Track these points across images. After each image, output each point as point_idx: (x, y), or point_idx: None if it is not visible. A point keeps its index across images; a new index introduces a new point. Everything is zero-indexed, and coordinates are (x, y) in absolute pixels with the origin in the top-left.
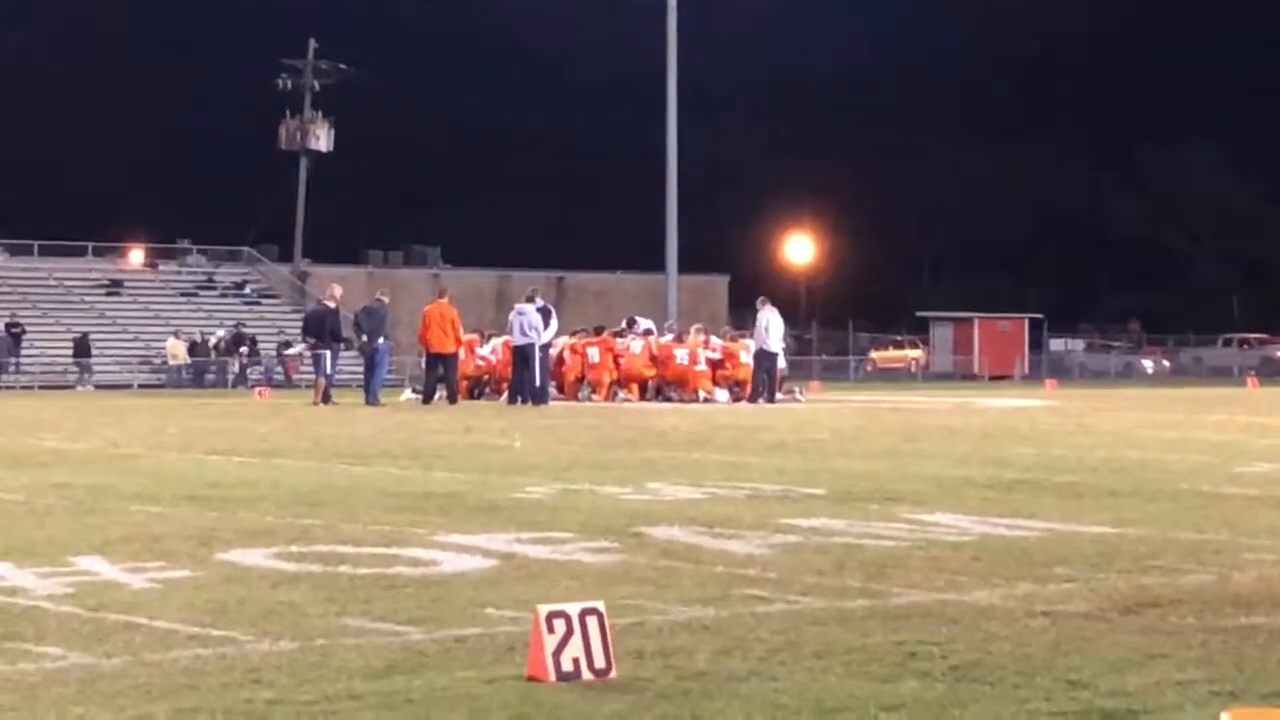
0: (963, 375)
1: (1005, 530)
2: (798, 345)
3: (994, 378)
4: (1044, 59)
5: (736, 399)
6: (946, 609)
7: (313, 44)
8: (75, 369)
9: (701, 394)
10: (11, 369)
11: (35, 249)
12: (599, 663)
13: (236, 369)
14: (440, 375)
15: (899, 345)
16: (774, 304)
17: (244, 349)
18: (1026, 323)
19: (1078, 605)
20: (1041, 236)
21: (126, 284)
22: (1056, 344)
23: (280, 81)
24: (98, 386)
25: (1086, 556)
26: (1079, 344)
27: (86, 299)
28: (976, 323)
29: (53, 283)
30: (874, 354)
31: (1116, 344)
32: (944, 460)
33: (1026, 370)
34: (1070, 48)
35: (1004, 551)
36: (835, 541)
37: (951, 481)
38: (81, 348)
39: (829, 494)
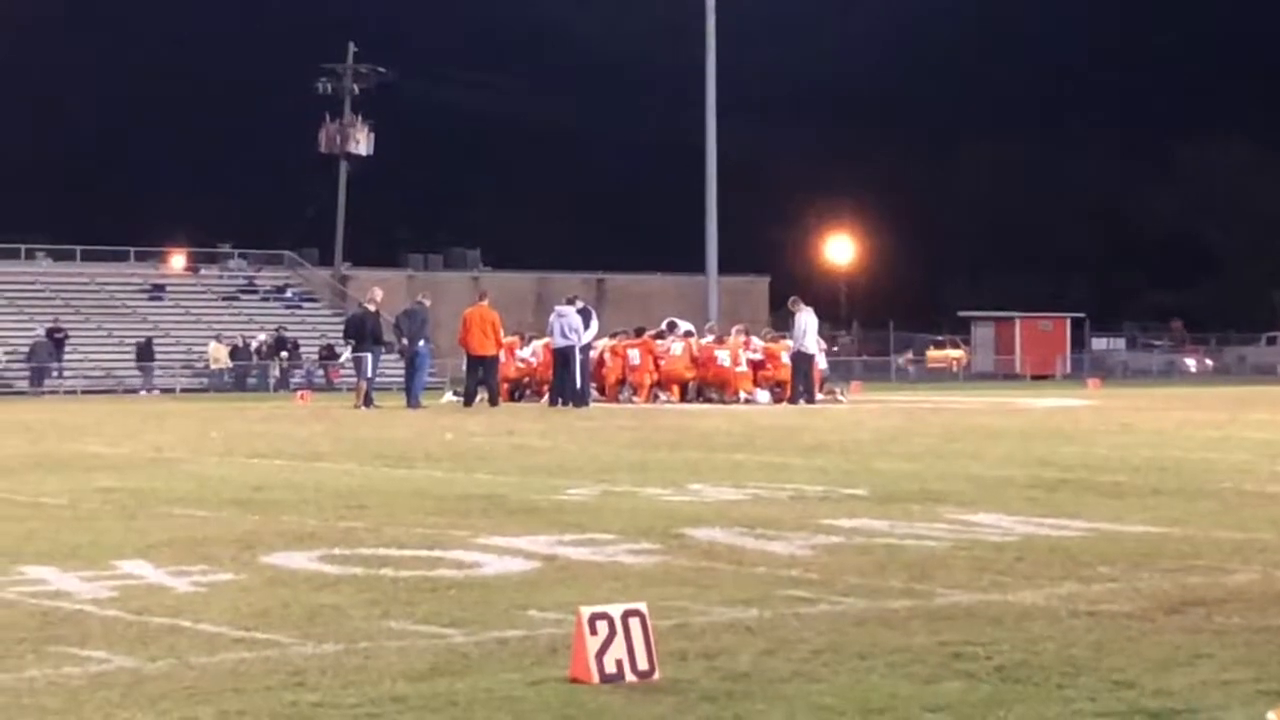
0: (1005, 375)
1: (1048, 530)
2: (836, 345)
3: (1036, 377)
4: (1081, 57)
5: (778, 400)
6: (990, 609)
7: (352, 48)
8: (138, 373)
9: (743, 395)
10: (54, 374)
11: (78, 254)
12: (642, 664)
13: (278, 373)
14: (481, 378)
15: (940, 345)
16: (811, 305)
17: (285, 353)
18: (1068, 322)
19: (1122, 605)
20: (1081, 235)
21: (168, 288)
22: (1098, 343)
23: (320, 85)
24: (127, 391)
25: (1130, 556)
26: (1120, 343)
27: (129, 304)
28: (1018, 322)
29: (95, 287)
30: (925, 352)
31: (1158, 343)
32: (986, 460)
33: (1069, 369)
34: (1107, 45)
35: (1047, 551)
36: (878, 542)
37: (994, 481)
38: (145, 352)
39: (871, 494)
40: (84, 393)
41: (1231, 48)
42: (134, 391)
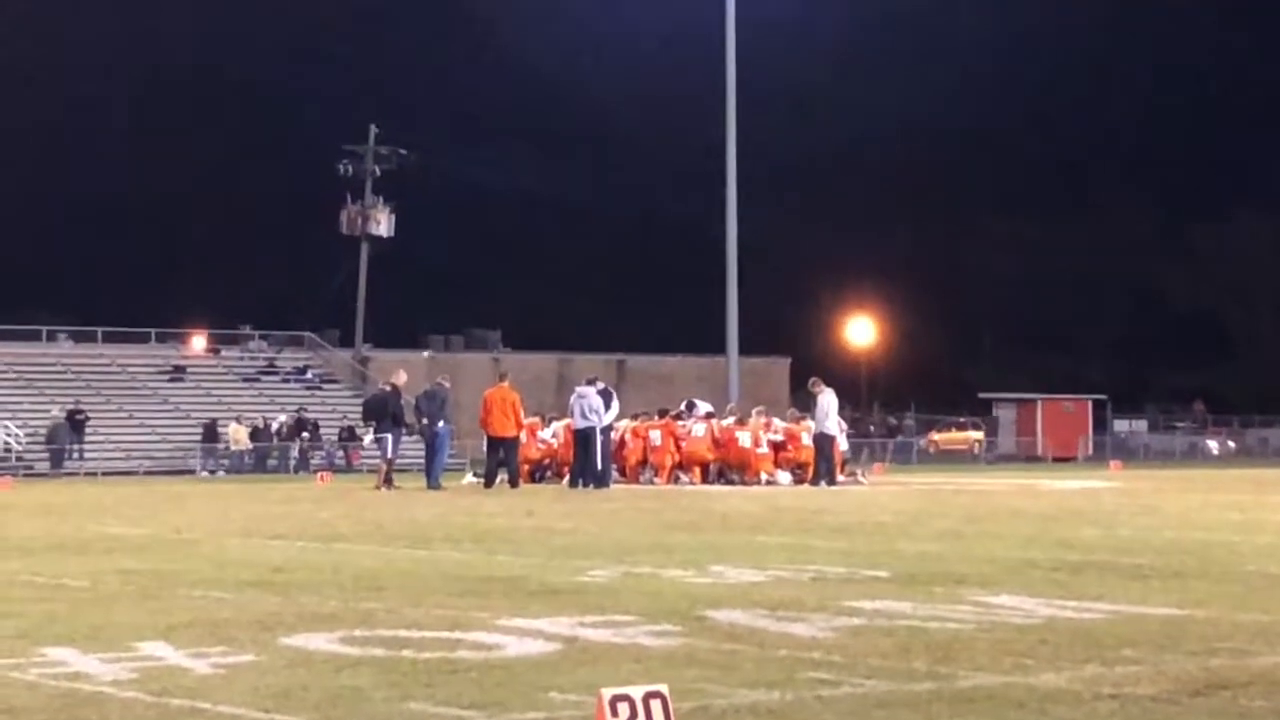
0: (1026, 456)
1: (1071, 612)
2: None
3: (1058, 459)
4: (1104, 137)
5: (799, 481)
6: (1013, 692)
7: (374, 130)
8: (200, 453)
9: (764, 476)
10: (75, 455)
11: (99, 335)
12: None
13: (298, 454)
14: (501, 459)
15: (961, 426)
16: (832, 386)
17: (306, 434)
18: (1090, 403)
19: (1146, 688)
20: (1103, 316)
21: (189, 370)
22: (1120, 425)
23: (341, 167)
24: (148, 473)
25: (1154, 638)
26: (1143, 424)
27: (150, 385)
28: (1040, 404)
29: (116, 369)
30: (935, 435)
31: (1181, 425)
32: (1009, 542)
33: (1090, 451)
34: (1129, 125)
35: (1070, 634)
36: (900, 624)
37: (1017, 563)
38: (210, 433)
39: (893, 576)
40: (103, 475)
41: (1254, 128)
42: (191, 472)
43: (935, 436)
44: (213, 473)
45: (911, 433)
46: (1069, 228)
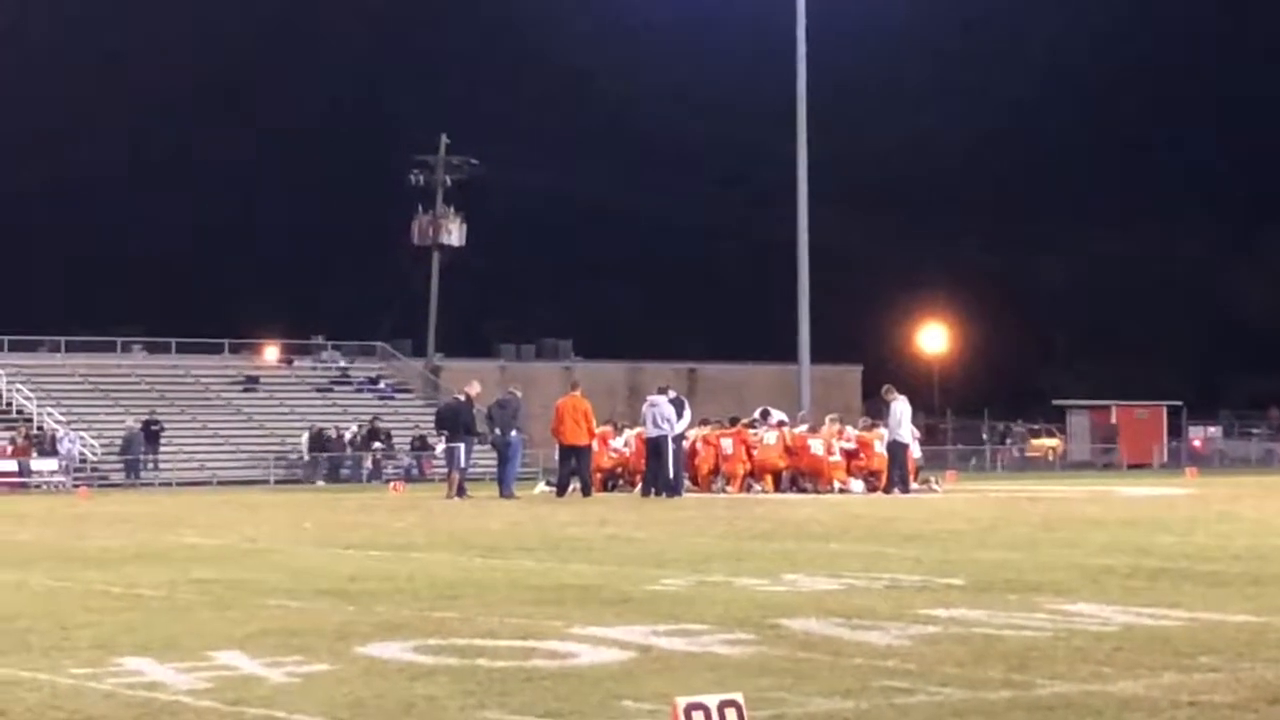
0: (1102, 464)
1: (1148, 620)
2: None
3: (1132, 466)
4: (1177, 140)
5: (872, 489)
6: (1091, 700)
7: (444, 139)
8: (310, 463)
9: (836, 485)
10: (149, 466)
11: (173, 347)
12: None
13: (371, 464)
14: (574, 468)
15: (1035, 434)
16: (905, 393)
17: (379, 443)
18: (1165, 410)
19: (1224, 695)
20: (1177, 322)
21: (262, 380)
22: (1195, 431)
23: (413, 177)
24: (221, 483)
25: (1232, 646)
26: (1217, 431)
27: (223, 395)
28: (1114, 410)
29: (190, 379)
30: (1032, 440)
31: (1256, 430)
32: (1084, 549)
33: (1165, 458)
34: (1204, 129)
35: (1147, 641)
36: (975, 632)
37: (1092, 570)
38: (317, 442)
39: (968, 584)
40: (178, 485)
41: None
42: (300, 482)
43: (1032, 440)
44: (313, 482)
45: (1016, 439)
46: (1141, 233)
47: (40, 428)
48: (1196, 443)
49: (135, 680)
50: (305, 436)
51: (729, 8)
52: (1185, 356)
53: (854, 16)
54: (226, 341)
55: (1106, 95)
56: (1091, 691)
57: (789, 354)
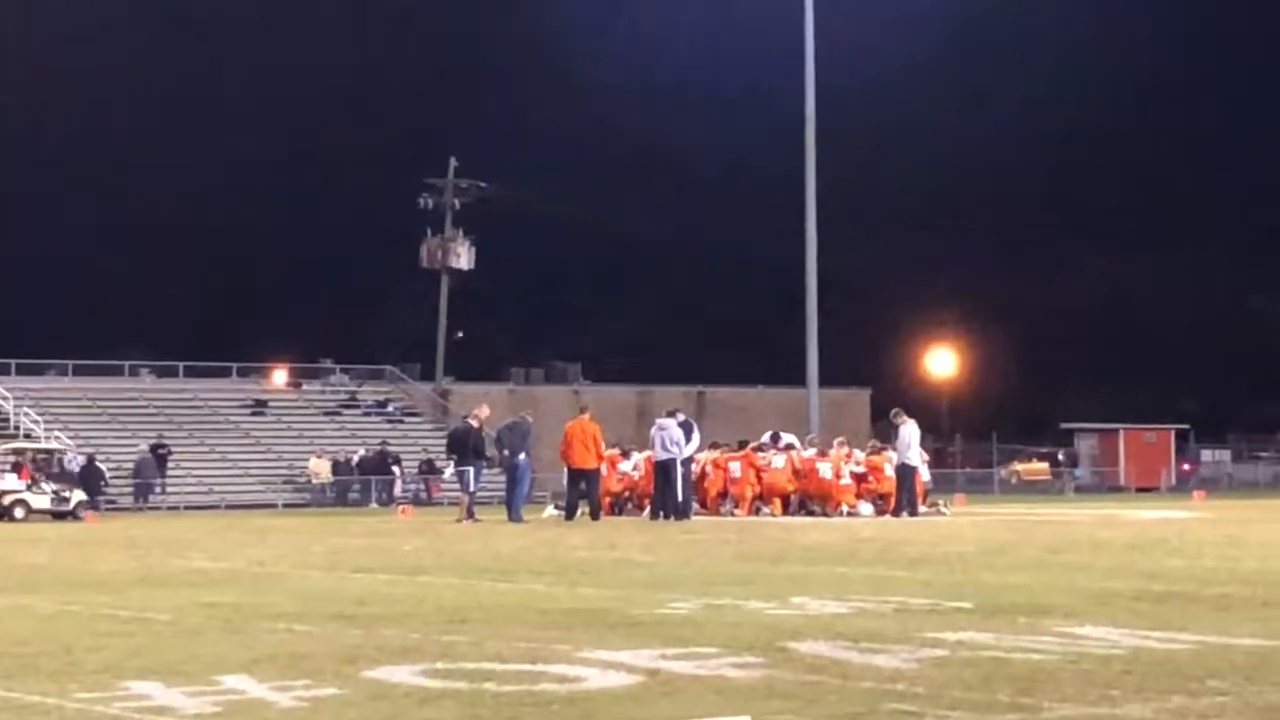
0: (1109, 487)
1: (1156, 643)
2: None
3: (1140, 489)
4: (1184, 169)
5: (881, 512)
6: None
7: (453, 163)
8: (360, 486)
9: (845, 508)
10: (158, 490)
11: (181, 370)
12: None
13: (384, 488)
14: (582, 491)
15: (1043, 457)
16: (913, 417)
17: (396, 467)
18: (1173, 433)
19: (1231, 719)
20: (1185, 345)
21: (271, 404)
22: (1204, 454)
23: (422, 200)
24: (229, 507)
25: (1240, 669)
26: (1226, 454)
27: (231, 419)
28: (1122, 434)
29: (198, 403)
30: (1017, 465)
31: (1265, 454)
32: (1092, 572)
33: (1174, 481)
34: (1210, 158)
35: (1156, 664)
36: (984, 655)
37: (1100, 593)
38: (380, 464)
39: (976, 607)
40: (187, 508)
41: None
42: (361, 504)
43: (1017, 467)
44: (385, 504)
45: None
46: (1149, 257)
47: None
48: (1185, 466)
49: (143, 704)
50: (315, 461)
51: (744, 38)
52: (1194, 380)
53: (864, 45)
54: (235, 365)
55: (1118, 121)
56: (1099, 715)
57: (798, 377)
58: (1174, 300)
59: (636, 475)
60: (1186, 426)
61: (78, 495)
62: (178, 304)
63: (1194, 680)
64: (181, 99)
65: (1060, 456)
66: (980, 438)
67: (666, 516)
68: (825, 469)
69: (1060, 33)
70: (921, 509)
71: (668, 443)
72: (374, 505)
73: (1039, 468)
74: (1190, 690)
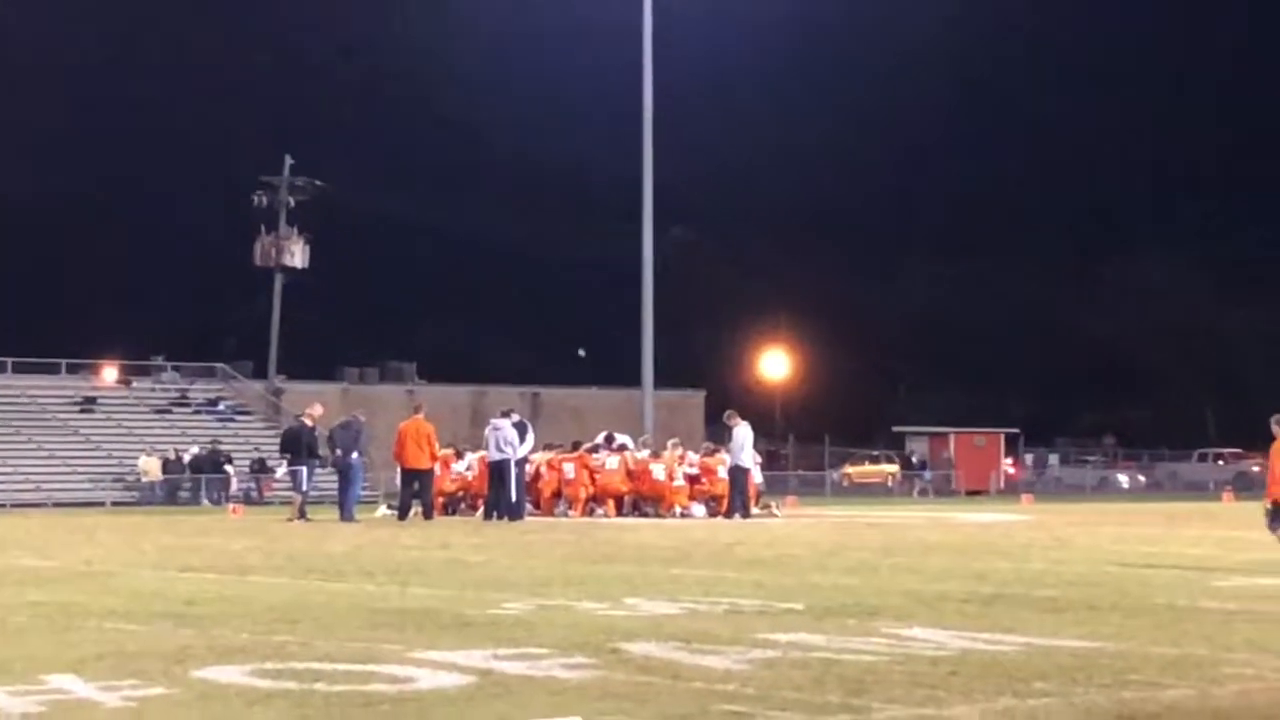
0: (938, 490)
1: (984, 645)
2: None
3: (970, 492)
4: (1015, 175)
5: (713, 514)
6: None
7: (288, 160)
8: (190, 485)
9: (678, 509)
10: None
11: (9, 366)
12: None
13: (218, 486)
14: (416, 491)
15: (875, 460)
16: (747, 419)
17: (229, 466)
18: (1002, 437)
19: None
20: (1015, 352)
21: (100, 401)
22: (1030, 458)
23: (256, 198)
24: (57, 504)
25: (1066, 671)
26: (1054, 458)
27: (59, 416)
28: (952, 437)
29: (25, 400)
30: (849, 468)
31: (1092, 458)
32: (921, 575)
33: (1003, 485)
34: (1040, 165)
35: (983, 666)
36: (814, 656)
37: (929, 596)
38: (174, 468)
39: (807, 609)
40: (13, 506)
41: (1160, 166)
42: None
43: (849, 470)
44: (216, 503)
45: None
46: (982, 264)
47: None
48: (1013, 470)
49: None
50: (145, 459)
51: (585, 40)
52: (1024, 386)
53: (698, 39)
54: (64, 361)
55: (952, 129)
56: (927, 715)
57: (632, 379)
58: (1006, 306)
59: (470, 475)
60: (1016, 431)
61: None
62: (4, 298)
63: (1020, 681)
64: (21, 77)
65: (915, 460)
66: (813, 440)
67: (500, 517)
68: (659, 470)
69: (899, 42)
70: (754, 511)
71: (502, 443)
72: (205, 504)
73: (871, 470)
74: (1016, 691)
